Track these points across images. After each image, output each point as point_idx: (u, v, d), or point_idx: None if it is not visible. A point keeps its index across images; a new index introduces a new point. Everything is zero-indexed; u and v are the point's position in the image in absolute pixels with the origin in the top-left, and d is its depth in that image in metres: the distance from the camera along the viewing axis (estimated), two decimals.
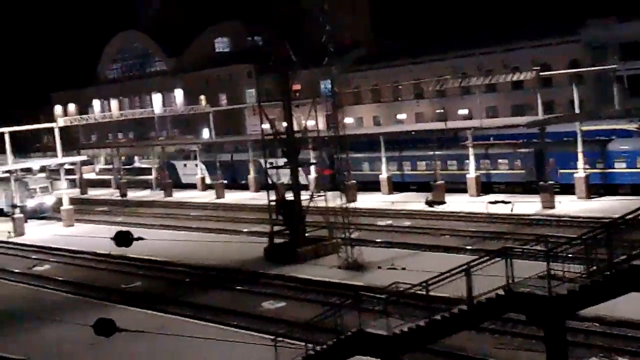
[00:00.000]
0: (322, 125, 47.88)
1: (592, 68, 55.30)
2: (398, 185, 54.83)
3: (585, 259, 15.44)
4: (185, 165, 73.03)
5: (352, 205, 34.90)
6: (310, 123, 38.53)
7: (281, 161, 39.83)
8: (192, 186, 70.16)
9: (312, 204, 36.22)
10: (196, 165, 69.86)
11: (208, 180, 68.48)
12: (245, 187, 64.80)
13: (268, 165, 37.87)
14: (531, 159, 48.13)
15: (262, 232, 41.98)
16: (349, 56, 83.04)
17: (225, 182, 64.23)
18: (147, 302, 31.91)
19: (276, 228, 37.42)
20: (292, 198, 36.94)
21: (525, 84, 62.23)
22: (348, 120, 71.55)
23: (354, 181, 51.87)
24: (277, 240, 37.42)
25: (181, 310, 30.24)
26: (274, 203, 37.39)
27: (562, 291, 15.26)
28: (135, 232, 18.24)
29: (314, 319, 20.90)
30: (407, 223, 44.31)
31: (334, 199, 34.25)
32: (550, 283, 15.37)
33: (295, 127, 37.12)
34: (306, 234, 37.04)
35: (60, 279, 38.88)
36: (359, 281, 30.48)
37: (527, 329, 23.14)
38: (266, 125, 37.93)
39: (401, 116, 78.24)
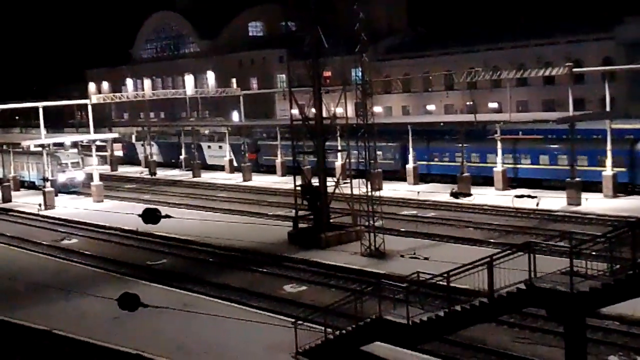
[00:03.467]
0: (351, 112, 47.66)
1: (626, 66, 54.49)
2: (424, 177, 54.66)
3: (608, 257, 15.29)
4: (209, 147, 73.63)
5: (377, 193, 34.34)
6: (340, 110, 38.41)
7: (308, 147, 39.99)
8: (218, 168, 70.62)
9: (337, 191, 36.27)
10: (220, 147, 70.31)
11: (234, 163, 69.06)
12: (272, 171, 65.07)
13: (296, 151, 38.03)
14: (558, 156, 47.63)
15: (287, 216, 42.00)
16: (381, 44, 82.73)
17: (249, 164, 64.65)
18: (171, 279, 32.07)
19: (301, 213, 37.44)
20: (318, 184, 36.94)
21: (557, 79, 61.54)
22: (377, 109, 71.24)
23: (380, 170, 51.51)
24: (301, 225, 37.44)
25: (204, 289, 30.34)
26: (299, 188, 37.41)
27: (584, 288, 15.16)
28: (163, 210, 18.20)
29: (335, 304, 21.02)
30: (432, 214, 44.10)
31: (359, 187, 34.31)
32: (572, 279, 15.26)
33: (324, 114, 37.02)
34: (330, 220, 37.03)
35: (87, 253, 39.22)
36: (380, 269, 30.34)
37: (547, 324, 22.98)
38: (295, 111, 37.89)
39: (430, 107, 77.88)
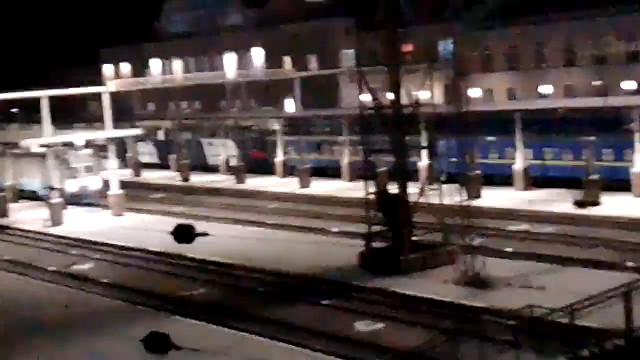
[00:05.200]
0: (439, 98, 47.33)
1: None
2: (537, 180, 54.59)
3: None
4: (210, 143, 76.23)
5: (475, 203, 35.00)
6: (424, 95, 38.51)
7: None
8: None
9: (422, 200, 36.51)
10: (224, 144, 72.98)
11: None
12: (336, 176, 65.96)
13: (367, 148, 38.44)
14: None
15: (357, 233, 42.45)
16: (478, 8, 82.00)
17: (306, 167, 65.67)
18: (209, 313, 32.57)
19: (375, 228, 37.58)
20: (397, 191, 37.13)
21: None
22: (474, 92, 70.90)
23: (479, 172, 51.72)
24: (375, 245, 37.63)
25: (251, 327, 30.71)
26: (373, 196, 37.58)
27: None
28: (199, 226, 18.15)
29: (420, 347, 21.35)
30: (549, 229, 43.95)
31: (451, 195, 34.35)
32: None
33: (404, 100, 37.19)
34: (413, 238, 37.20)
35: (104, 280, 39.86)
36: (481, 302, 30.41)
37: None
38: (366, 97, 38.14)
39: (545, 88, 77.07)
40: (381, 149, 40.29)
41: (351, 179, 63.33)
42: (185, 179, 73.45)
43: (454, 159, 34.72)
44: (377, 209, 37.30)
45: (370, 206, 37.47)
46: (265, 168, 72.04)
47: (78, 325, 30.61)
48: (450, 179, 35.98)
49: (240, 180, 69.34)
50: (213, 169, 77.58)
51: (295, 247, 39.70)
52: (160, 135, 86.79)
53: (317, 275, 36.36)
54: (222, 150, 76.06)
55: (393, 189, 37.49)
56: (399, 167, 37.45)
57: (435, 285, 33.07)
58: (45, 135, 56.97)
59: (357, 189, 47.82)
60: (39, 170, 62.69)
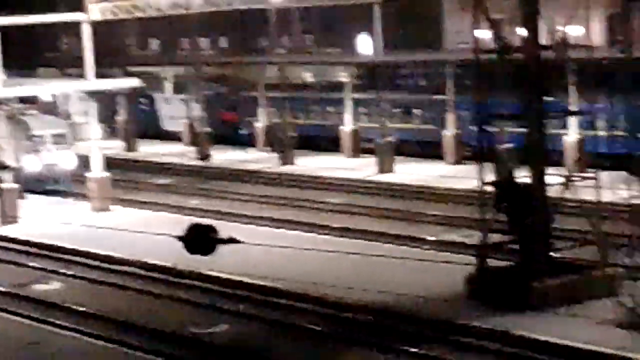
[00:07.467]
0: (598, 36, 45.70)
1: None
2: None
3: None
4: (167, 101, 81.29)
5: None
6: (576, 32, 38.07)
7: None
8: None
9: (568, 195, 35.92)
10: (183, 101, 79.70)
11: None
12: (434, 156, 66.51)
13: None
14: None
15: (465, 244, 43.00)
16: None
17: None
18: None
19: (494, 238, 36.99)
20: (529, 181, 36.37)
21: None
22: None
23: None
24: (494, 264, 36.88)
25: None
26: (491, 188, 36.89)
27: None
28: (223, 229, 17.96)
29: None
30: None
31: (615, 188, 34.66)
32: None
33: (544, 41, 36.57)
34: (553, 254, 36.52)
35: (79, 309, 39.33)
36: None
37: None
38: (485, 34, 37.78)
39: None
40: (506, 114, 40.01)
41: (457, 161, 64.41)
42: (205, 156, 75.44)
43: (619, 133, 32.52)
44: (497, 207, 36.53)
45: (487, 203, 36.78)
46: (238, 137, 76.45)
47: None
48: (615, 164, 35.93)
49: (286, 160, 70.62)
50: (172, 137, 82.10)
51: (370, 265, 39.28)
52: (168, 90, 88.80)
53: (402, 309, 35.61)
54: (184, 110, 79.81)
55: (523, 177, 36.42)
56: (534, 142, 36.49)
57: (585, 328, 32.07)
58: None
59: (466, 176, 49.95)
60: None
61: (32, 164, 60.51)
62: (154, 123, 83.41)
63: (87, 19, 58.64)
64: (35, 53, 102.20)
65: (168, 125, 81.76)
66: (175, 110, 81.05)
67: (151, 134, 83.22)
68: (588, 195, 35.26)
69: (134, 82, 67.13)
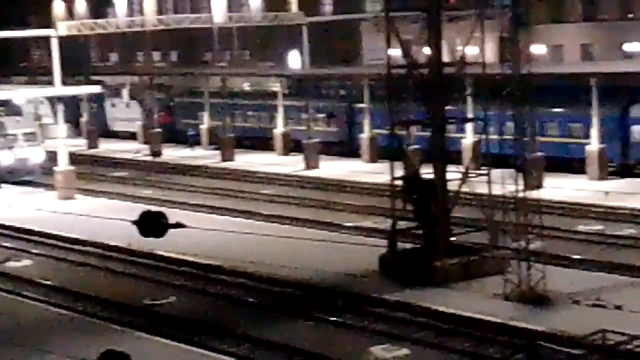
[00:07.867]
0: (491, 55, 47.25)
1: None
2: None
3: None
4: (113, 104, 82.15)
5: (534, 193, 35.24)
6: (471, 52, 39.56)
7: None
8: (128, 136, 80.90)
9: (465, 188, 38.11)
10: (128, 105, 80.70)
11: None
12: (354, 155, 68.85)
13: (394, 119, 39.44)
14: None
15: (378, 229, 44.57)
16: None
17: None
18: (183, 330, 33.56)
19: (402, 225, 38.61)
20: (432, 176, 37.91)
21: None
22: (538, 48, 72.00)
23: (540, 153, 52.95)
24: (402, 246, 38.60)
25: (237, 349, 31.43)
26: (400, 182, 38.54)
27: None
28: (172, 215, 18.54)
29: None
30: (630, 231, 45.09)
31: (503, 183, 34.75)
32: None
33: (446, 58, 38.74)
34: (452, 238, 38.41)
35: (47, 283, 41.21)
36: (539, 323, 30.92)
37: None
38: (396, 52, 39.17)
39: (632, 46, 78.17)
40: (414, 120, 42.02)
41: (372, 159, 66.42)
42: (156, 153, 77.69)
43: (508, 137, 35.19)
44: (405, 199, 38.30)
45: (397, 195, 38.53)
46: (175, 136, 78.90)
47: (9, 342, 30.82)
48: (504, 163, 35.94)
49: (227, 157, 73.29)
50: (117, 136, 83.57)
51: (297, 246, 40.22)
52: (125, 95, 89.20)
53: (325, 283, 37.45)
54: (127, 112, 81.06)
55: (427, 173, 38.23)
56: (436, 144, 38.43)
57: (479, 301, 33.82)
58: None
59: (379, 172, 50.74)
60: None
61: (6, 159, 62.53)
62: (103, 124, 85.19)
63: (56, 35, 61.10)
64: (9, 63, 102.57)
65: (116, 126, 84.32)
66: (121, 113, 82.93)
67: (99, 133, 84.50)
68: (481, 189, 37.29)
69: (96, 89, 69.95)
